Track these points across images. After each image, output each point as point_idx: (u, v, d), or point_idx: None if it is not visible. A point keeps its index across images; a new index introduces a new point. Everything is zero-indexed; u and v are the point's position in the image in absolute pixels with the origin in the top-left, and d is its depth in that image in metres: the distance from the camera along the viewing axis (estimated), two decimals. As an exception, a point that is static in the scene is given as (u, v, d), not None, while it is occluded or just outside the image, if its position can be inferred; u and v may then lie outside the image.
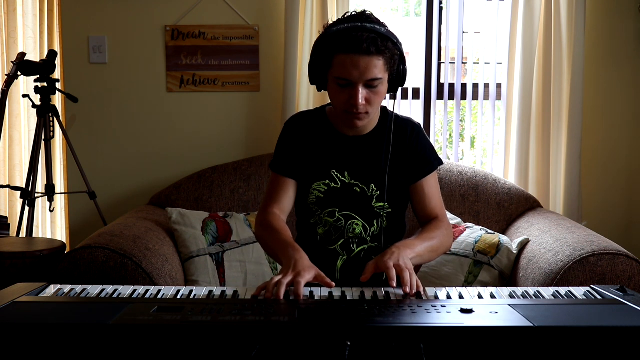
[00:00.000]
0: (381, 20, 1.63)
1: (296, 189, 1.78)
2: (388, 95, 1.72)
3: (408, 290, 1.40)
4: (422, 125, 1.86)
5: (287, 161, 1.76)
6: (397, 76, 1.65)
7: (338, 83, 1.60)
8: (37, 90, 2.85)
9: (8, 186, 3.04)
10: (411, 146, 1.76)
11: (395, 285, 1.42)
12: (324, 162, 1.75)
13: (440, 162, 1.80)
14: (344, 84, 1.59)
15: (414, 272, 1.45)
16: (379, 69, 1.57)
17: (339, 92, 1.62)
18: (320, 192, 1.74)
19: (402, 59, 1.64)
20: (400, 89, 1.70)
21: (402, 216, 1.81)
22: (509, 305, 1.26)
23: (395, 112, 1.76)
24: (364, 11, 1.63)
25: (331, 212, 1.74)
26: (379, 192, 1.73)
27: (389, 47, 1.58)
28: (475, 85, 3.11)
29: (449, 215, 2.63)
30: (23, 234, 2.87)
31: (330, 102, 1.74)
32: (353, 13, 1.63)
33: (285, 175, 1.76)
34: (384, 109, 1.79)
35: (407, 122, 1.79)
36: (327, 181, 1.74)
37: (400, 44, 1.62)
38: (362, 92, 1.58)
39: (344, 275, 1.75)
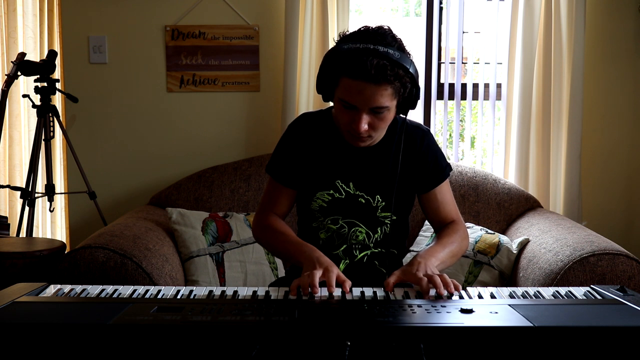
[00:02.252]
0: (397, 38, 1.52)
1: (295, 197, 1.76)
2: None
3: (442, 291, 1.38)
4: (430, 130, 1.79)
5: (288, 170, 1.72)
6: (408, 99, 1.55)
7: (342, 104, 1.53)
8: (37, 90, 2.85)
9: (8, 186, 3.04)
10: (421, 156, 1.71)
11: (433, 297, 1.40)
12: (329, 171, 1.70)
13: (451, 168, 1.77)
14: (348, 106, 1.52)
15: (444, 275, 1.44)
16: (385, 97, 1.48)
17: (343, 111, 1.54)
18: (323, 201, 1.70)
19: (414, 83, 1.52)
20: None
21: (405, 221, 1.79)
22: (509, 305, 1.26)
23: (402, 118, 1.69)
24: (381, 27, 1.51)
25: (334, 220, 1.71)
26: (384, 203, 1.69)
27: (399, 74, 1.47)
28: (475, 85, 3.11)
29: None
30: (23, 234, 2.87)
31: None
32: (370, 28, 1.52)
33: (284, 185, 1.73)
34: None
35: (417, 129, 1.73)
36: (332, 191, 1.70)
37: (414, 67, 1.51)
38: (365, 118, 1.51)
39: None
